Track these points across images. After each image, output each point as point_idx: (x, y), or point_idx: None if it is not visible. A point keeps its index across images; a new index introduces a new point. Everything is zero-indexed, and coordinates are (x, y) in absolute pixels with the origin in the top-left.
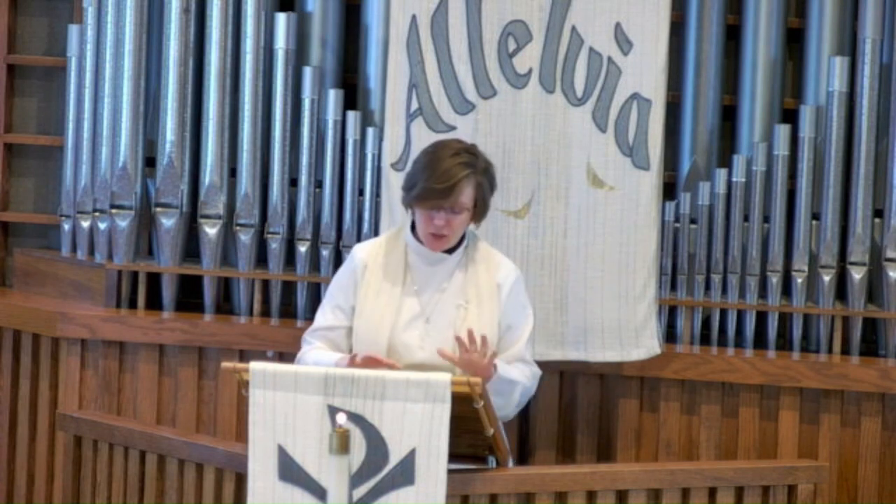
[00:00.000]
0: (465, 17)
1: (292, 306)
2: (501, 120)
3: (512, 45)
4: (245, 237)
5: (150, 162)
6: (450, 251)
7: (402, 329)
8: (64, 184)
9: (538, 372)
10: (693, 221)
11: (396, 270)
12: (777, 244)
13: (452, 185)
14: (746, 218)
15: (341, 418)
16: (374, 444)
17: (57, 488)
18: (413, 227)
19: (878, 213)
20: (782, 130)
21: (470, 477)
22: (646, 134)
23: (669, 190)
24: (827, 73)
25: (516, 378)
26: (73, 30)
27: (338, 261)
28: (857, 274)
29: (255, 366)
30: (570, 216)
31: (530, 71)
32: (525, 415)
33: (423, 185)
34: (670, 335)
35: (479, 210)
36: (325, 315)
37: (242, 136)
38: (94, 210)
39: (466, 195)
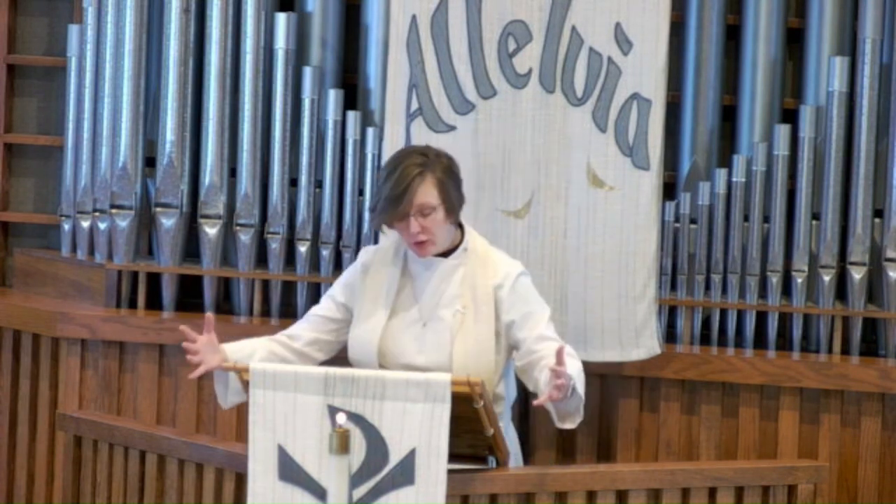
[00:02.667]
0: (465, 17)
1: (292, 306)
2: (501, 120)
3: (512, 45)
4: (245, 237)
5: (150, 162)
6: (445, 255)
7: (398, 334)
8: (64, 184)
9: (571, 349)
10: (693, 221)
11: (394, 276)
12: (777, 244)
13: (405, 187)
14: (746, 218)
15: (341, 418)
16: (374, 444)
17: (57, 488)
18: None
19: (878, 213)
20: (782, 130)
21: (470, 477)
22: (646, 134)
23: (669, 190)
24: (827, 73)
25: (575, 373)
26: (73, 30)
27: (338, 261)
28: (857, 274)
29: (255, 366)
30: (570, 216)
31: (530, 71)
32: (525, 415)
33: (382, 199)
34: (670, 335)
35: (450, 206)
36: (323, 303)
37: (242, 136)
38: (94, 210)
39: (428, 195)
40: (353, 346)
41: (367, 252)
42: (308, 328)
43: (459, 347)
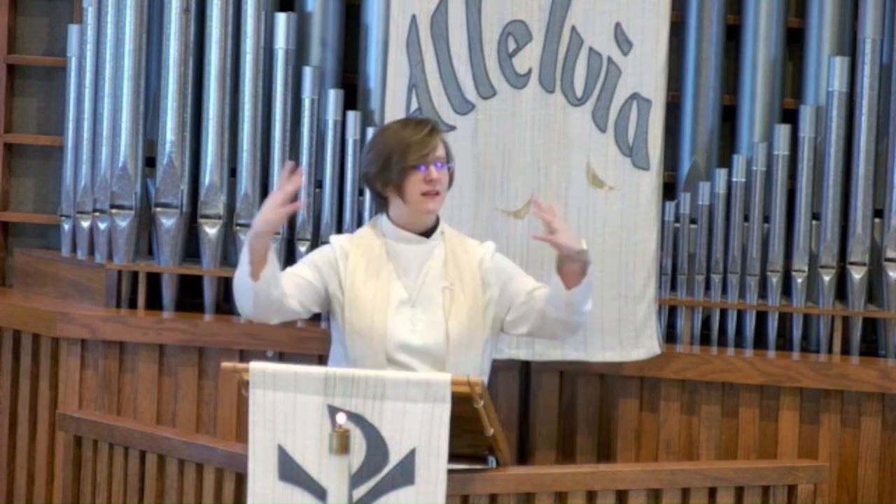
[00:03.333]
0: (464, 17)
1: None
2: (501, 120)
3: (512, 45)
4: (245, 237)
5: (150, 162)
6: (427, 234)
7: (392, 314)
8: (64, 184)
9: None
10: (693, 221)
11: (379, 258)
12: (777, 244)
13: (429, 130)
14: (746, 218)
15: (341, 418)
16: (374, 444)
17: (57, 488)
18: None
19: (878, 213)
20: (782, 130)
21: (470, 477)
22: (646, 134)
23: (669, 190)
24: (827, 73)
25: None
26: (73, 30)
27: None
28: (857, 274)
29: (255, 366)
30: (570, 216)
31: (530, 71)
32: (525, 415)
33: (403, 147)
34: (670, 335)
35: (451, 171)
36: (303, 267)
37: (242, 136)
38: (94, 210)
39: (441, 148)
40: (355, 331)
41: (341, 239)
42: (294, 287)
43: (454, 323)
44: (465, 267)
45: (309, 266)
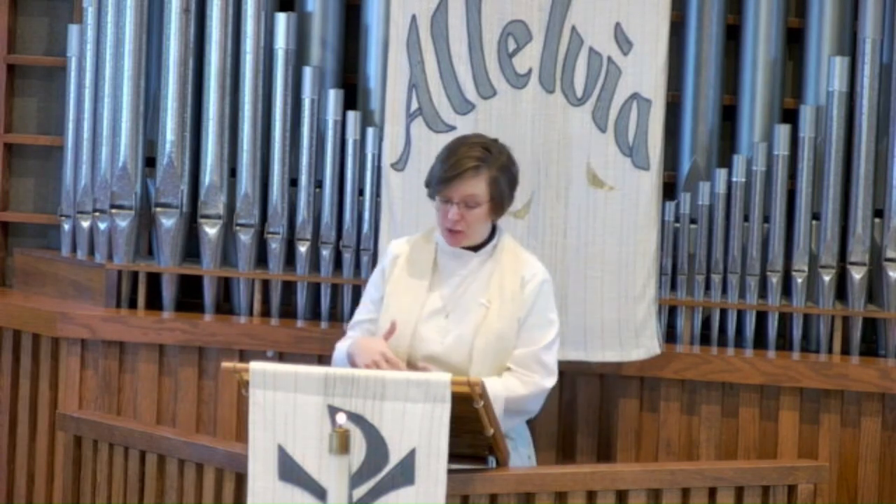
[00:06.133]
0: (465, 17)
1: (292, 306)
2: (501, 120)
3: (512, 45)
4: (245, 237)
5: (150, 162)
6: (476, 248)
7: (423, 322)
8: (64, 184)
9: (545, 385)
10: (693, 221)
11: (424, 265)
12: (777, 244)
13: (457, 173)
14: (746, 218)
15: (341, 418)
16: (374, 444)
17: (57, 488)
18: None
19: (878, 213)
20: (782, 130)
21: (470, 477)
22: (646, 134)
23: (669, 190)
24: (827, 73)
25: (496, 392)
26: (73, 30)
27: (338, 261)
28: (857, 274)
29: (255, 366)
30: (570, 216)
31: (530, 71)
32: None
33: (435, 174)
34: (670, 335)
35: (496, 205)
36: (363, 308)
37: (242, 136)
38: (94, 210)
39: (477, 188)
40: (382, 332)
41: (396, 244)
42: (374, 333)
43: (481, 341)
44: (508, 287)
45: (368, 305)
